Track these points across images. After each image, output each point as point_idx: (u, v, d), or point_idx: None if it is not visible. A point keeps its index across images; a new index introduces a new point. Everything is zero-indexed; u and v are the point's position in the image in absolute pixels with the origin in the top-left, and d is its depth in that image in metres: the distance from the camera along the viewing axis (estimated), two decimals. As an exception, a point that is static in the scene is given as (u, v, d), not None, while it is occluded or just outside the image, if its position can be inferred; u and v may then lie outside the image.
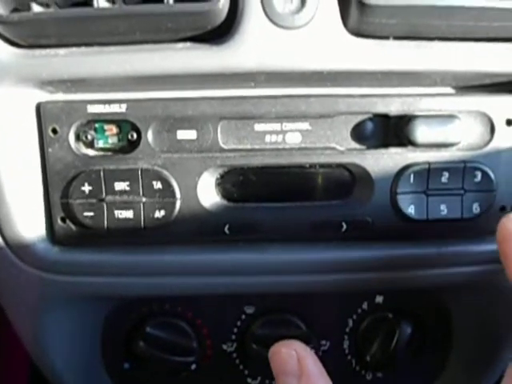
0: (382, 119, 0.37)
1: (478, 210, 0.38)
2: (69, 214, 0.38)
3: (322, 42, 0.33)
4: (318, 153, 0.38)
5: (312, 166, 0.38)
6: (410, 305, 0.47)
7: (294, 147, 0.38)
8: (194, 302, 0.46)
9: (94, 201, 0.38)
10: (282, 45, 0.33)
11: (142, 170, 0.37)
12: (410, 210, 0.38)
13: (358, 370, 0.50)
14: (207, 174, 0.38)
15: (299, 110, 0.37)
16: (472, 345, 0.48)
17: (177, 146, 0.37)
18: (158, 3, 0.33)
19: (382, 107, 0.37)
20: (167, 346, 0.47)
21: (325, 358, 0.48)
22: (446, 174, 0.37)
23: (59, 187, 0.38)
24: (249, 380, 0.50)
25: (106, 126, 0.38)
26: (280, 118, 0.37)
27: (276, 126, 0.37)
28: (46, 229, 0.39)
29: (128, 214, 0.38)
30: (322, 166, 0.38)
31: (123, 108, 0.37)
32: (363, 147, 0.38)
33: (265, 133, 0.38)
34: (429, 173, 0.37)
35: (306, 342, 0.47)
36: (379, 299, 0.47)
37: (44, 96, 0.37)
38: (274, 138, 0.38)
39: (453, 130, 0.36)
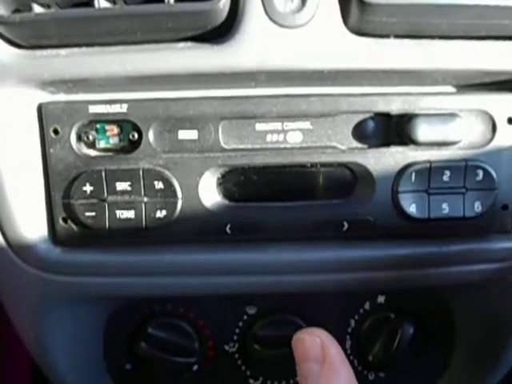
0: (383, 118, 0.37)
1: (480, 208, 0.38)
2: (70, 215, 0.38)
3: (323, 40, 0.33)
4: (319, 152, 0.38)
5: (313, 165, 0.38)
6: (412, 305, 0.47)
7: (295, 146, 0.38)
8: (195, 303, 0.46)
9: (95, 201, 0.38)
10: (283, 44, 0.33)
11: (143, 170, 0.37)
12: (412, 209, 0.38)
13: (361, 370, 0.50)
14: (208, 173, 0.38)
15: (300, 110, 0.37)
16: (475, 344, 0.48)
17: (178, 146, 0.37)
18: (159, 3, 0.33)
19: (383, 106, 0.37)
20: (169, 347, 0.47)
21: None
22: (448, 173, 0.37)
23: (61, 187, 0.38)
24: (251, 381, 0.50)
25: (108, 127, 0.38)
26: (281, 118, 0.37)
27: (277, 126, 0.37)
28: (48, 229, 0.39)
29: (129, 214, 0.38)
30: (324, 165, 0.38)
31: (124, 108, 0.37)
32: (364, 146, 0.38)
33: (266, 132, 0.38)
34: (430, 171, 0.37)
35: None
36: (381, 299, 0.47)
37: (45, 97, 0.37)
38: (275, 137, 0.38)
39: (454, 128, 0.36)
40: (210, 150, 0.37)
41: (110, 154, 0.38)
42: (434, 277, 0.41)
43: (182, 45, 0.35)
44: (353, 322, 0.47)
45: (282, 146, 0.38)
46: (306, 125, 0.38)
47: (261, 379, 0.50)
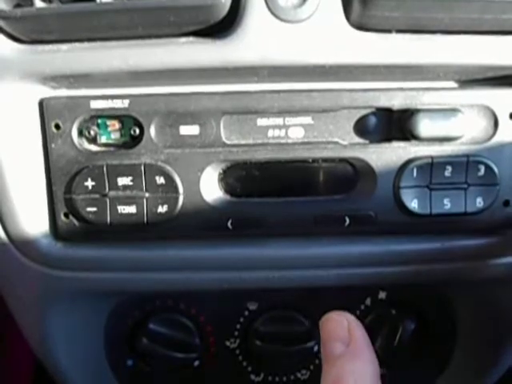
0: (384, 113, 0.37)
1: (482, 204, 0.38)
2: (72, 210, 0.38)
3: (325, 35, 0.33)
4: (321, 147, 0.38)
5: (315, 160, 0.38)
6: (414, 301, 0.47)
7: (297, 142, 0.38)
8: (197, 299, 0.47)
9: (97, 196, 0.38)
10: (285, 38, 0.33)
11: (144, 165, 0.37)
12: (414, 205, 0.38)
13: (362, 366, 0.49)
14: (210, 168, 0.38)
15: (302, 105, 0.37)
16: (475, 341, 0.48)
17: (179, 141, 0.37)
18: (161, -3, 0.33)
19: (384, 101, 0.37)
20: (170, 343, 0.47)
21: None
22: (449, 168, 0.37)
23: (62, 183, 0.38)
24: (252, 376, 0.50)
25: (109, 122, 0.38)
26: (283, 113, 0.37)
27: (279, 121, 0.37)
28: (49, 224, 0.39)
29: (131, 209, 0.38)
30: (325, 160, 0.38)
31: (126, 103, 0.37)
32: (366, 141, 0.38)
33: (267, 127, 0.38)
34: (432, 167, 0.37)
35: (309, 338, 0.47)
36: (382, 295, 0.47)
37: (47, 92, 0.37)
38: (276, 132, 0.38)
39: (456, 123, 0.36)
40: (212, 145, 0.37)
41: (112, 149, 0.38)
42: (436, 273, 0.41)
43: (183, 39, 0.35)
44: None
45: (283, 141, 0.38)
46: (307, 120, 0.37)
47: (262, 375, 0.50)
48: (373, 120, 0.38)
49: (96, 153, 0.38)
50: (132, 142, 0.38)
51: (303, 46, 0.33)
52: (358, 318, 0.46)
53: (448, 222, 0.39)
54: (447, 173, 0.37)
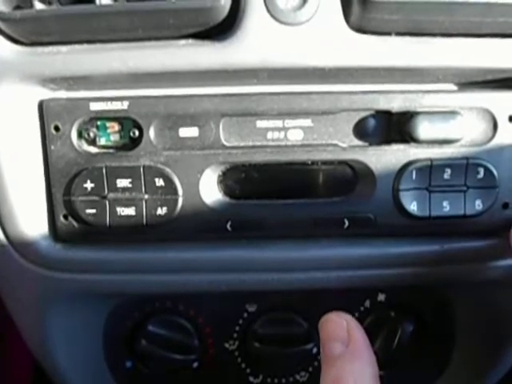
0: (384, 116, 0.37)
1: (481, 206, 0.38)
2: (71, 211, 0.38)
3: (324, 38, 0.33)
4: (320, 149, 0.38)
5: (314, 162, 0.38)
6: (413, 303, 0.47)
7: (296, 144, 0.38)
8: (196, 300, 0.47)
9: (96, 198, 0.38)
10: (285, 41, 0.33)
11: (144, 167, 0.37)
12: (413, 207, 0.38)
13: (361, 368, 0.49)
14: (209, 170, 0.38)
15: (301, 107, 0.37)
16: (475, 343, 0.48)
17: (179, 144, 0.37)
18: (161, 0, 0.33)
19: (384, 104, 0.37)
20: (169, 345, 0.47)
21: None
22: (449, 171, 0.37)
23: (61, 184, 0.38)
24: (251, 378, 0.50)
25: (108, 124, 0.38)
26: (282, 115, 0.37)
27: (278, 123, 0.37)
28: (49, 226, 0.39)
29: (130, 211, 0.38)
30: (324, 162, 0.38)
31: (125, 105, 0.37)
32: (365, 144, 0.38)
33: (267, 130, 0.38)
34: (431, 169, 0.37)
35: (308, 340, 0.47)
36: (381, 297, 0.47)
37: (46, 93, 0.37)
38: (276, 134, 0.38)
39: (455, 126, 0.36)
40: (211, 148, 0.37)
41: (111, 151, 0.38)
42: (435, 275, 0.41)
43: (183, 42, 0.35)
44: (353, 320, 0.47)
45: (282, 143, 0.38)
46: (306, 122, 0.38)
47: (261, 377, 0.50)
48: (372, 122, 0.38)
49: (95, 155, 0.38)
50: (131, 143, 0.38)
51: (303, 48, 0.34)
52: (358, 319, 0.47)
53: (447, 225, 0.39)
54: (446, 175, 0.37)
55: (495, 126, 0.37)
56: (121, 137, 0.38)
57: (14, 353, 0.65)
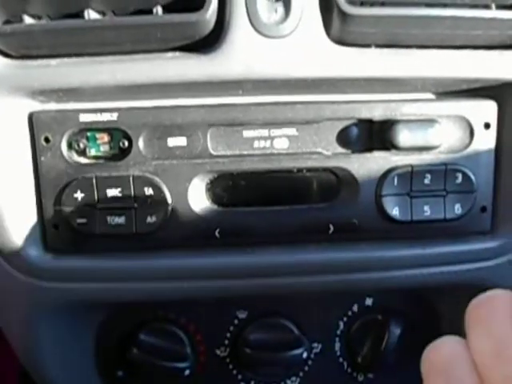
0: (366, 124, 0.39)
1: (460, 210, 0.39)
2: (61, 221, 0.39)
3: (306, 50, 0.35)
4: (305, 157, 0.39)
5: (299, 170, 0.39)
6: (399, 306, 0.48)
7: (282, 152, 0.39)
8: (187, 308, 0.47)
9: (86, 208, 0.38)
10: (268, 53, 0.35)
11: (133, 177, 0.38)
12: (395, 212, 0.39)
13: (350, 372, 0.50)
14: (197, 179, 0.39)
15: (286, 117, 0.38)
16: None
17: (167, 153, 0.38)
18: (148, 14, 0.34)
19: (365, 113, 0.38)
20: (161, 353, 0.47)
21: (317, 361, 0.49)
22: (429, 176, 0.39)
23: (52, 194, 0.38)
24: (242, 384, 0.50)
25: (98, 135, 0.38)
26: (268, 125, 0.38)
27: (264, 132, 0.38)
28: (39, 236, 0.39)
29: (120, 220, 0.38)
30: (309, 170, 0.39)
31: (114, 116, 0.37)
32: (348, 151, 0.39)
33: (253, 139, 0.39)
34: (412, 175, 0.39)
35: (298, 345, 0.48)
36: (369, 302, 0.47)
37: (36, 105, 0.38)
38: (262, 143, 0.39)
39: (434, 133, 0.38)
40: (199, 157, 0.38)
41: (101, 161, 0.38)
42: (419, 277, 0.42)
43: (170, 54, 0.36)
44: (342, 325, 0.48)
45: (268, 151, 0.39)
46: (291, 131, 0.39)
47: (252, 383, 0.50)
48: (354, 131, 0.39)
49: (85, 165, 0.38)
50: (121, 154, 0.38)
51: (286, 60, 0.35)
52: (346, 324, 0.47)
53: (428, 228, 0.40)
54: (427, 181, 0.39)
55: (472, 133, 0.39)
56: (110, 147, 0.39)
57: (1, 362, 0.64)
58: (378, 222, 0.39)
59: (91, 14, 0.35)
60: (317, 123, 0.38)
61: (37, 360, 0.46)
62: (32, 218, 0.39)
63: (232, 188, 0.40)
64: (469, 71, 0.36)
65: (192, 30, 0.34)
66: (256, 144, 0.39)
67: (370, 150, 0.39)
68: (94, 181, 0.38)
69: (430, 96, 0.40)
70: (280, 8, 0.34)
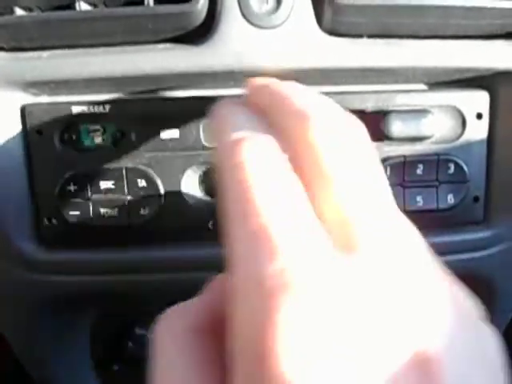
0: (358, 115, 0.38)
1: (453, 200, 0.39)
2: (55, 214, 0.39)
3: (298, 40, 0.35)
4: (298, 149, 0.39)
5: (292, 161, 0.39)
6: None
7: (275, 144, 0.39)
8: (181, 300, 0.47)
9: (79, 200, 0.38)
10: (259, 44, 0.34)
11: (126, 169, 0.38)
12: (388, 202, 0.39)
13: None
14: (190, 171, 0.39)
15: None
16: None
17: (160, 145, 0.38)
18: (139, 5, 0.34)
19: (358, 103, 0.38)
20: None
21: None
22: (421, 167, 0.39)
23: (45, 187, 0.38)
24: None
25: (91, 127, 0.38)
26: None
27: (256, 124, 0.38)
28: (32, 229, 0.39)
29: (114, 212, 0.38)
30: (302, 161, 0.39)
31: (107, 109, 0.37)
32: (341, 142, 0.39)
33: (246, 130, 0.39)
34: (404, 165, 0.39)
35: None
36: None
37: (28, 98, 0.38)
38: None
39: (426, 124, 0.38)
40: (192, 149, 0.38)
41: (94, 153, 0.38)
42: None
43: (162, 46, 0.36)
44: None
45: (261, 143, 0.39)
46: (284, 123, 0.39)
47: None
48: (347, 121, 0.39)
49: (78, 157, 0.38)
50: (114, 146, 0.38)
51: (277, 51, 0.35)
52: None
53: (421, 219, 0.40)
54: (419, 171, 0.39)
55: (464, 124, 0.39)
56: (103, 140, 0.39)
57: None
58: None
59: (82, 6, 0.35)
60: (309, 114, 0.38)
61: (32, 353, 0.46)
62: (25, 210, 0.39)
63: None
64: (461, 61, 0.36)
65: (183, 21, 0.34)
66: (249, 135, 0.39)
67: None
68: (87, 173, 0.38)
69: (422, 86, 0.40)
70: (271, -2, 0.34)
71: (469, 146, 0.39)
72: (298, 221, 0.16)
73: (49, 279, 0.41)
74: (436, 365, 0.14)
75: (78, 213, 0.38)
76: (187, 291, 0.44)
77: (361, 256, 0.16)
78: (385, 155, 0.39)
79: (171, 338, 0.19)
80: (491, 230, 0.41)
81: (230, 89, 0.38)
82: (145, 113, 0.38)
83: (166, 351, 0.19)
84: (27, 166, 0.38)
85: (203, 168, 0.39)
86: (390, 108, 0.38)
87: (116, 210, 0.38)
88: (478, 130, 0.39)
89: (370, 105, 0.38)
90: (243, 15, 0.34)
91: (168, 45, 0.36)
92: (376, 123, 0.38)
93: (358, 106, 0.38)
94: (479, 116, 0.39)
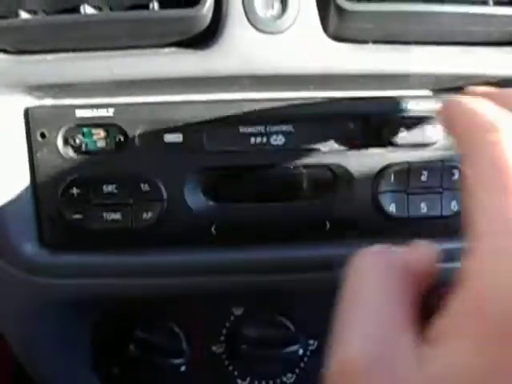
0: (362, 121, 0.38)
1: (457, 207, 0.39)
2: (57, 217, 0.39)
3: (303, 46, 0.35)
4: (302, 154, 0.39)
5: (296, 166, 0.39)
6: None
7: (279, 149, 0.39)
8: (183, 304, 0.47)
9: (82, 203, 0.38)
10: (265, 49, 0.34)
11: (129, 173, 0.38)
12: (392, 209, 0.39)
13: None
14: (193, 175, 0.39)
15: (283, 113, 0.38)
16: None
17: (163, 149, 0.38)
18: (144, 9, 0.34)
19: (362, 109, 0.38)
20: (157, 349, 0.47)
21: (313, 358, 0.49)
22: (425, 173, 0.39)
23: (48, 190, 0.38)
24: (238, 381, 0.51)
25: (94, 130, 0.38)
26: (264, 121, 0.38)
27: (260, 129, 0.38)
28: (35, 232, 0.39)
29: (116, 216, 0.38)
30: (306, 166, 0.39)
31: (111, 112, 0.37)
32: (345, 148, 0.39)
33: (249, 135, 0.38)
34: (409, 172, 0.38)
35: (295, 342, 0.48)
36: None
37: (32, 101, 0.38)
38: (258, 139, 0.39)
39: (430, 130, 0.38)
40: (195, 153, 0.38)
41: (97, 157, 0.38)
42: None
43: (167, 50, 0.36)
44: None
45: (265, 148, 0.39)
46: (288, 128, 0.39)
47: (248, 379, 0.51)
48: (351, 127, 0.39)
49: (81, 161, 0.38)
50: (117, 150, 0.38)
51: (282, 56, 0.35)
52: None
53: (425, 225, 0.40)
54: (423, 177, 0.39)
55: (468, 130, 0.39)
56: (106, 143, 0.38)
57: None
58: (374, 219, 0.39)
59: (87, 9, 0.35)
60: (313, 120, 0.38)
61: (32, 356, 0.46)
62: (28, 213, 0.39)
63: (228, 184, 0.40)
64: (466, 68, 0.36)
65: (188, 26, 0.34)
66: (252, 140, 0.39)
67: (366, 146, 0.39)
68: (90, 176, 0.38)
69: (427, 93, 0.40)
70: (277, 3, 0.34)
71: None
72: None
73: (51, 282, 0.41)
74: None
75: (80, 216, 0.38)
76: (189, 295, 0.44)
77: None
78: (389, 161, 0.39)
79: (375, 269, 0.19)
80: (495, 237, 0.40)
81: (235, 93, 0.38)
82: (148, 116, 0.38)
83: (366, 280, 0.19)
84: (30, 169, 0.38)
85: (206, 172, 0.39)
86: (395, 114, 0.38)
87: (119, 213, 0.38)
88: (482, 137, 0.39)
89: (374, 110, 0.38)
90: (248, 20, 0.34)
91: (173, 49, 0.36)
92: (380, 129, 0.38)
93: (362, 111, 0.38)
94: (484, 123, 0.39)
